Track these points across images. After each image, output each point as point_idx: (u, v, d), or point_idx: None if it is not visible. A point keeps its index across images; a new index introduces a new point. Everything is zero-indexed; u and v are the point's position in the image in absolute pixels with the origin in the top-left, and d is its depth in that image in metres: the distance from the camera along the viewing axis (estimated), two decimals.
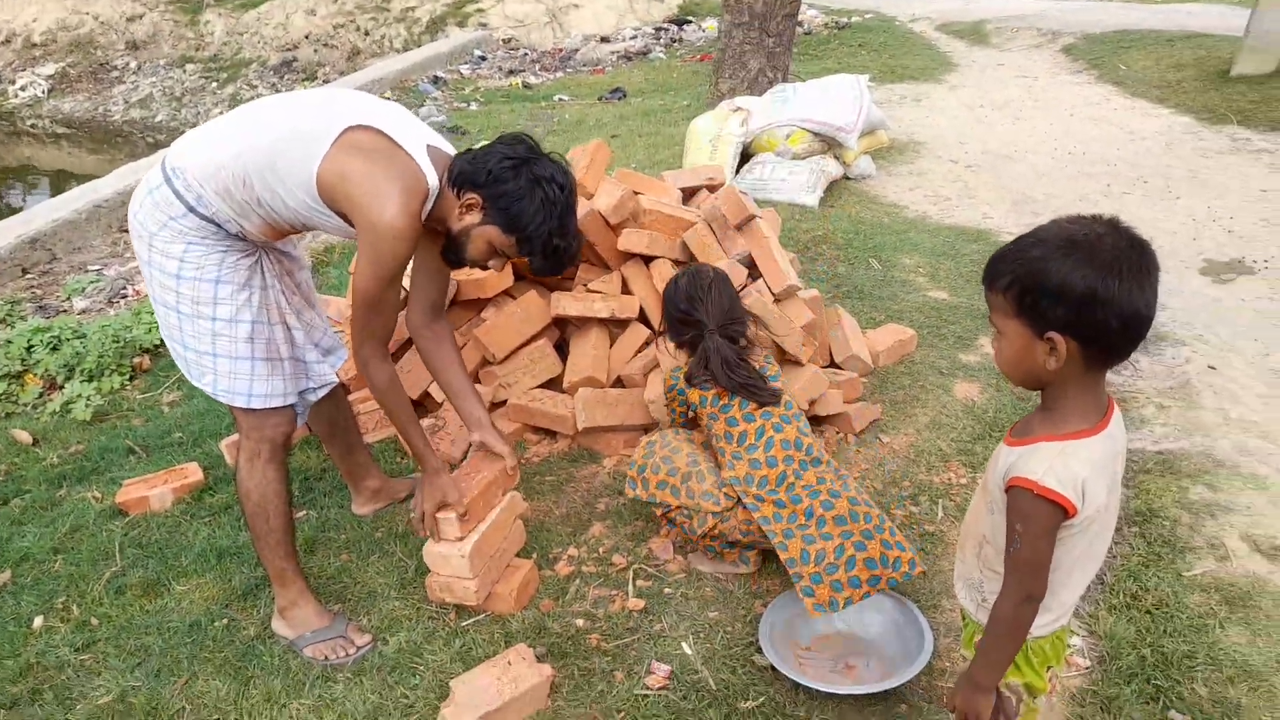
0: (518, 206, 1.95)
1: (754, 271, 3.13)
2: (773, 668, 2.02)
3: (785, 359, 2.91)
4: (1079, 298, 1.19)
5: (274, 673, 2.11)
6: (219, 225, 1.97)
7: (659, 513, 2.34)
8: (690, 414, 2.38)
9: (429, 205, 1.97)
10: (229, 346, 2.03)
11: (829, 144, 5.78)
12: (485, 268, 2.10)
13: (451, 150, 2.08)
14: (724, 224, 3.12)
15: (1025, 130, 7.27)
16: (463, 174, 1.97)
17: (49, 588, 2.45)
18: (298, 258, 2.31)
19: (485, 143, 2.03)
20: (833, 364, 3.29)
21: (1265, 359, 3.54)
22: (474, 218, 1.99)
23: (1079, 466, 1.27)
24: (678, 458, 2.30)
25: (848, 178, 5.91)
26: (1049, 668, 1.46)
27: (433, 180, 1.94)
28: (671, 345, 2.44)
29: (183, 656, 2.17)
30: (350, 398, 2.99)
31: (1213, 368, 3.47)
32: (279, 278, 2.18)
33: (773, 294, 3.03)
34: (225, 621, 2.29)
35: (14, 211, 8.52)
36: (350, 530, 2.63)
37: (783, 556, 2.16)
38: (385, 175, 1.87)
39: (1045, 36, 10.97)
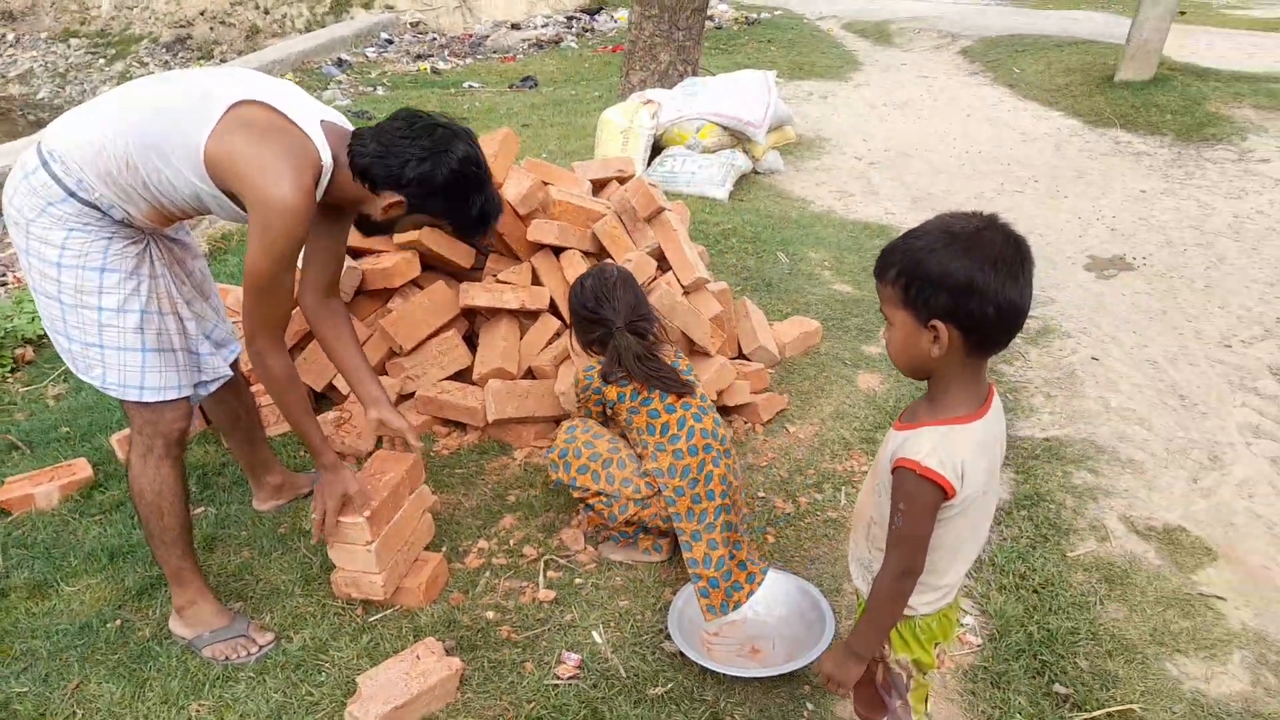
0: (446, 204, 1.95)
1: (663, 264, 3.17)
2: (681, 653, 2.06)
3: (694, 350, 2.96)
4: (959, 286, 1.26)
5: (171, 674, 2.05)
6: (103, 211, 1.87)
7: (577, 496, 2.36)
8: (606, 411, 2.39)
9: (324, 182, 1.91)
10: (117, 337, 1.94)
11: (738, 138, 5.87)
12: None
13: (348, 125, 2.02)
14: (633, 216, 3.15)
15: (926, 129, 7.53)
16: (376, 176, 1.90)
17: None
18: (190, 245, 2.22)
19: (379, 121, 1.97)
20: (741, 355, 3.36)
21: (1143, 350, 3.78)
22: (399, 211, 1.97)
23: (959, 450, 1.34)
24: (599, 443, 2.33)
25: (757, 172, 6.02)
26: (937, 644, 1.54)
27: (327, 157, 1.88)
28: (578, 345, 2.46)
29: (73, 660, 2.08)
30: (253, 389, 2.90)
31: (1095, 359, 3.68)
32: (169, 266, 2.08)
33: (682, 286, 3.08)
34: (118, 623, 2.20)
35: None
36: (251, 526, 2.56)
37: (687, 555, 2.24)
38: (276, 151, 1.80)
39: (945, 38, 11.35)
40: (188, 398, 2.09)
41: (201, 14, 14.95)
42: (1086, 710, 2.01)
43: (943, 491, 1.35)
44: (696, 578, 2.22)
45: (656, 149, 5.85)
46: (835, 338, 3.72)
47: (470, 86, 9.27)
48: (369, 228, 2.07)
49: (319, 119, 1.91)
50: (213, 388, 2.23)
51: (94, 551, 2.44)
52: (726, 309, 3.24)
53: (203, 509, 2.62)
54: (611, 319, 2.30)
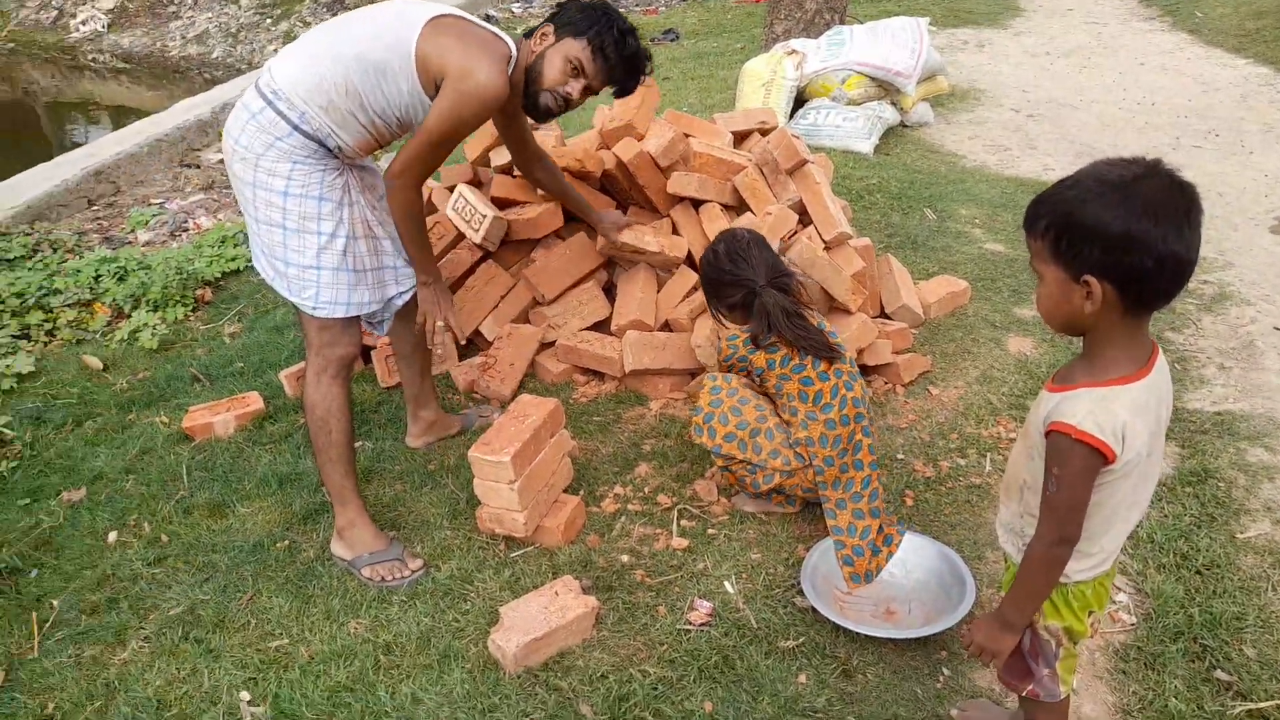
0: (584, 18, 2.19)
1: (804, 218, 3.11)
2: (814, 609, 2.06)
3: (834, 307, 2.90)
4: (1114, 239, 1.18)
5: (333, 593, 2.21)
6: (320, 141, 2.10)
7: (720, 463, 2.36)
8: (753, 378, 2.35)
9: (510, 67, 2.16)
10: (331, 259, 2.16)
11: (886, 89, 5.65)
12: (566, 101, 2.23)
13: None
14: (775, 168, 3.09)
15: (1092, 79, 7.02)
16: (531, 29, 2.24)
17: (121, 505, 2.58)
18: (377, 173, 2.41)
19: None
20: (883, 314, 3.27)
21: None
22: (548, 41, 2.21)
23: (1120, 411, 1.27)
24: (746, 410, 2.30)
25: (905, 125, 5.79)
26: (1090, 612, 1.47)
27: (512, 46, 2.17)
28: (721, 311, 2.41)
29: (247, 574, 2.28)
30: None
31: (1279, 329, 3.38)
32: (362, 192, 2.29)
33: (823, 241, 3.01)
34: (286, 543, 2.39)
35: (76, 146, 8.72)
36: (404, 461, 2.71)
37: (830, 523, 2.22)
38: (473, 41, 2.09)
39: None
40: (358, 325, 2.29)
41: None
42: (1253, 700, 1.89)
43: (1101, 456, 1.28)
44: (839, 545, 2.20)
45: (800, 101, 5.70)
46: (985, 298, 3.56)
47: None
48: (531, 89, 2.24)
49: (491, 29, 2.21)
50: (405, 297, 2.42)
51: (265, 477, 2.64)
52: (869, 266, 3.15)
53: (361, 443, 2.79)
54: (752, 277, 2.26)
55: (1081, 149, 5.51)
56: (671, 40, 8.93)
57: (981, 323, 3.37)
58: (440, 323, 2.44)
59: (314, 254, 2.15)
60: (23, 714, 1.93)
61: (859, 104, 5.52)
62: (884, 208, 4.44)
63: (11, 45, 16.00)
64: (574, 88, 2.22)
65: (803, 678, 1.94)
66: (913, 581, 2.17)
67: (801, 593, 2.13)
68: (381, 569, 2.23)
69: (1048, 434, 1.34)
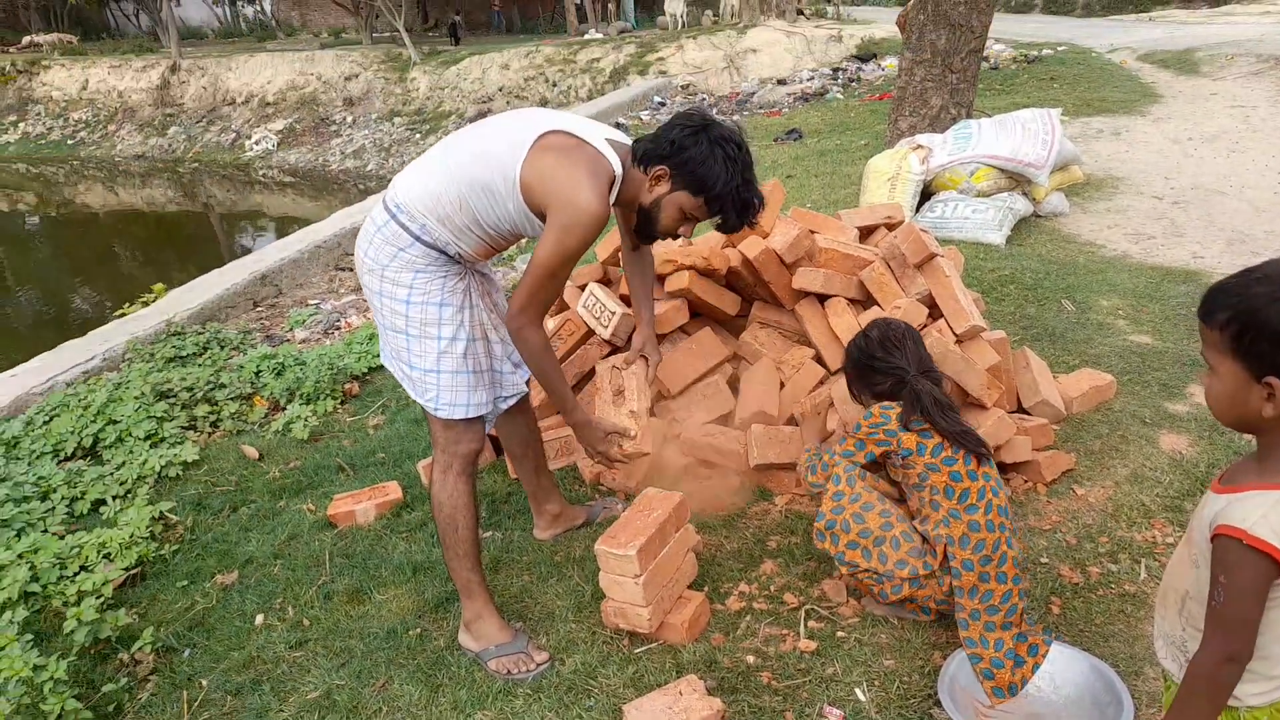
0: (703, 169, 2.11)
1: (934, 312, 3.05)
2: None
3: (968, 402, 2.81)
4: None
5: (461, 683, 2.24)
6: (441, 250, 2.20)
7: (845, 571, 2.28)
8: (890, 459, 2.24)
9: (615, 189, 2.17)
10: (451, 363, 2.25)
11: (1017, 180, 5.55)
12: (676, 236, 2.27)
13: (628, 140, 2.26)
14: (903, 262, 3.07)
15: (1241, 163, 6.70)
16: (647, 153, 2.16)
17: (269, 589, 2.72)
18: (493, 279, 2.52)
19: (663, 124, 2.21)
20: (1020, 410, 3.14)
21: None
22: (663, 188, 2.17)
23: None
24: (870, 516, 2.21)
25: (1038, 215, 5.66)
26: None
27: (617, 167, 2.14)
28: (866, 400, 2.35)
29: (381, 660, 2.35)
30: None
31: None
32: (482, 297, 2.40)
33: (954, 335, 2.95)
34: (418, 631, 2.45)
35: (247, 252, 9.55)
36: (532, 553, 2.75)
37: (962, 634, 2.11)
38: (576, 166, 2.07)
39: (1265, 63, 10.10)
40: (483, 421, 2.36)
41: (500, 90, 16.67)
42: None
43: (1276, 565, 1.18)
44: (975, 658, 2.07)
45: (925, 195, 5.68)
46: (1132, 393, 3.37)
47: None
48: (644, 226, 2.27)
49: (605, 138, 2.19)
50: (510, 401, 2.50)
51: (400, 565, 2.74)
52: (1004, 359, 3.05)
53: (489, 533, 2.86)
54: (904, 366, 2.22)
55: (1234, 236, 5.23)
56: (795, 139, 9.10)
57: (1130, 419, 3.19)
58: (601, 442, 2.40)
59: (434, 358, 2.23)
60: None
61: (988, 195, 5.44)
62: (1018, 299, 4.32)
63: (195, 164, 17.83)
64: (685, 230, 2.27)
65: None
66: (1062, 697, 2.01)
67: (939, 704, 2.01)
68: (507, 661, 2.25)
69: (1214, 538, 1.24)
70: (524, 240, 2.36)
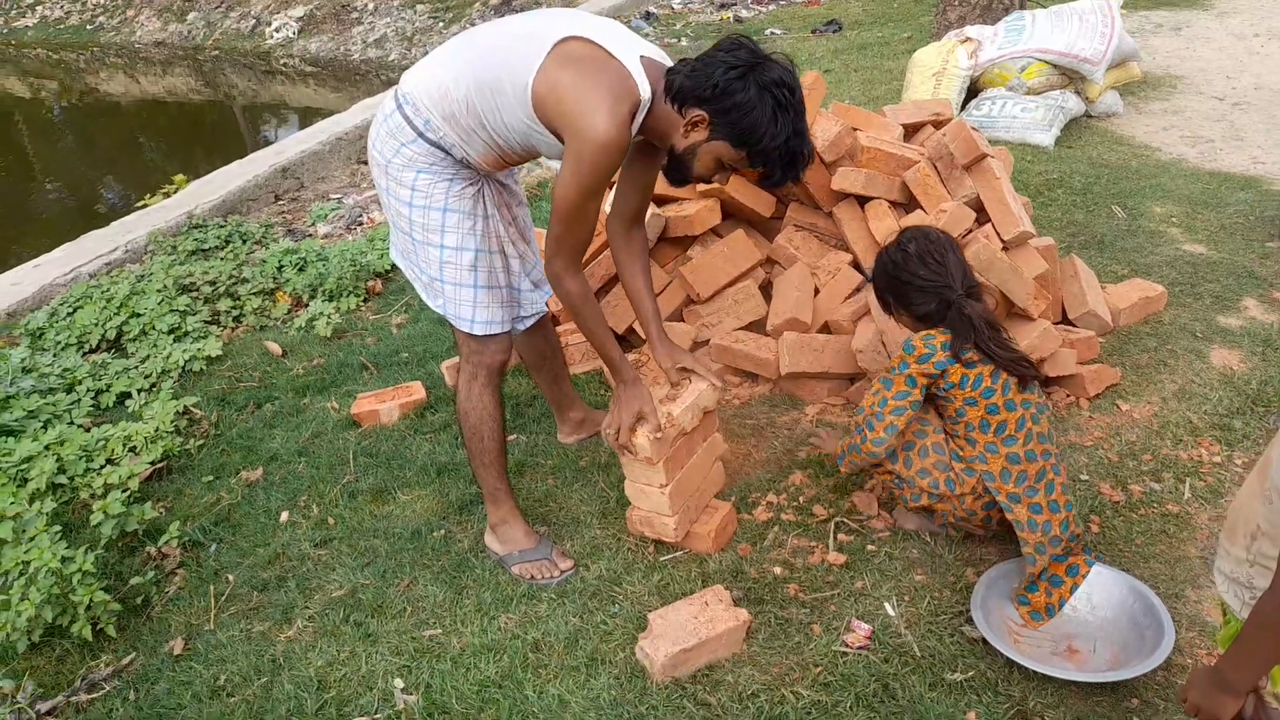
0: (748, 119, 1.82)
1: (981, 216, 2.90)
2: (984, 641, 1.90)
3: (1013, 312, 2.69)
4: None
5: (485, 585, 2.23)
6: (445, 150, 2.01)
7: (878, 471, 2.22)
8: (936, 391, 2.08)
9: (640, 115, 1.90)
10: (454, 274, 2.11)
11: (1070, 77, 5.24)
12: (710, 181, 2.00)
13: (668, 61, 1.97)
14: (950, 163, 2.90)
15: None
16: (684, 90, 1.85)
17: (293, 487, 2.71)
18: (516, 191, 2.35)
19: (703, 51, 1.90)
20: (1065, 321, 3.01)
21: None
22: (700, 134, 1.88)
23: None
24: (902, 420, 2.05)
25: (1089, 115, 5.36)
26: None
27: (645, 91, 1.87)
28: (904, 321, 2.18)
29: (405, 561, 2.34)
30: (558, 329, 3.07)
31: None
32: (499, 208, 2.23)
33: (1001, 241, 2.80)
34: (443, 533, 2.43)
35: (269, 143, 9.37)
36: (556, 457, 2.71)
37: (1030, 570, 2.01)
38: (596, 84, 1.82)
39: None
40: (509, 331, 2.23)
41: None
42: None
43: None
44: (1031, 559, 1.98)
45: (972, 93, 5.39)
46: (1183, 305, 3.22)
47: (772, 33, 9.09)
48: (675, 170, 2.01)
49: (639, 54, 1.90)
50: (529, 322, 2.38)
51: (425, 466, 2.71)
52: (1051, 268, 2.91)
53: (514, 436, 2.82)
54: (946, 286, 2.02)
55: None
56: (834, 31, 8.67)
57: (1180, 332, 3.05)
58: (625, 430, 2.09)
59: (437, 267, 2.09)
60: (198, 683, 2.04)
61: (1038, 93, 5.15)
62: (1066, 205, 4.12)
63: (216, 52, 17.44)
64: (720, 178, 2.01)
65: (972, 715, 1.79)
66: (1099, 618, 1.97)
67: (970, 621, 1.97)
68: (531, 568, 2.23)
69: None
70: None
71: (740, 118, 1.83)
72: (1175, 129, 5.24)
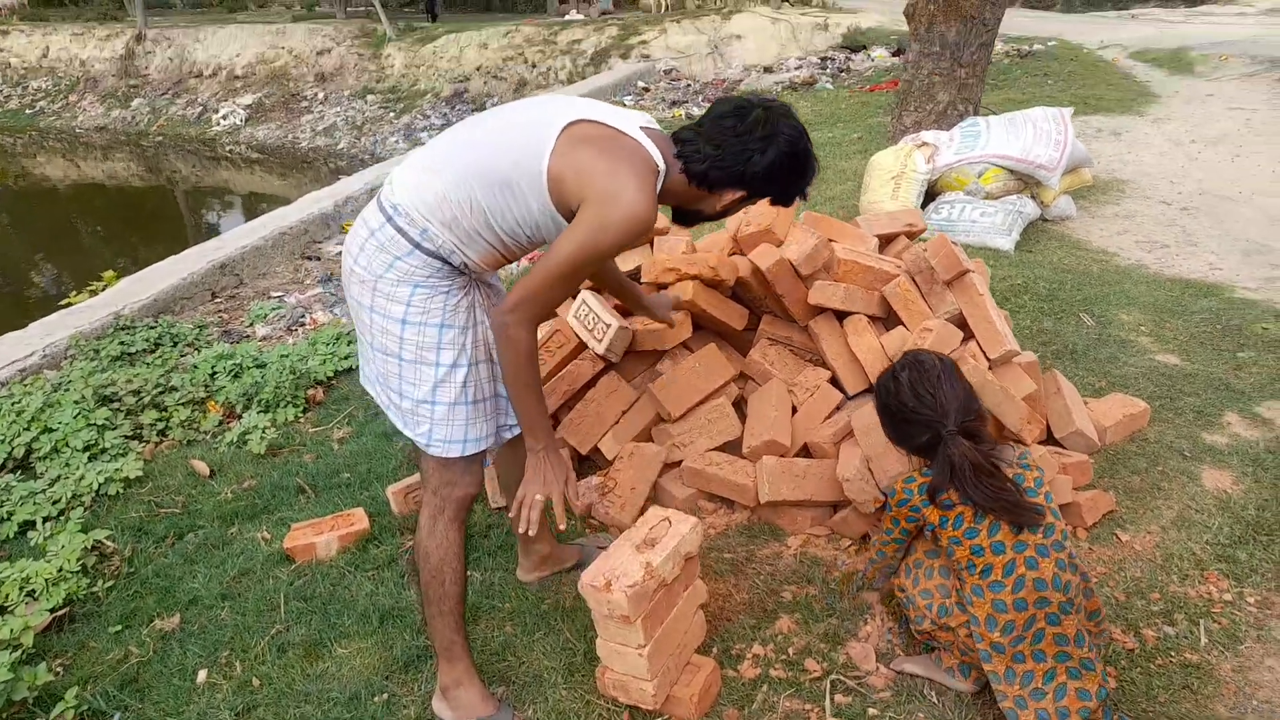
0: (783, 185, 1.92)
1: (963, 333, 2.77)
2: None
3: (1004, 436, 2.54)
4: None
5: None
6: (444, 259, 1.87)
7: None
8: (919, 531, 2.03)
9: (658, 186, 1.87)
10: (448, 393, 1.93)
11: (1026, 182, 5.29)
12: (719, 219, 2.05)
13: (658, 127, 1.96)
14: (930, 277, 2.78)
15: (1248, 169, 6.50)
16: (714, 179, 1.87)
17: (214, 638, 2.39)
18: (499, 289, 2.18)
19: (709, 119, 1.89)
20: (1051, 440, 2.88)
21: None
22: (739, 205, 1.96)
23: None
24: (918, 543, 2.10)
25: (1045, 219, 5.40)
26: None
27: (659, 160, 1.85)
28: (903, 450, 2.13)
29: None
30: None
31: None
32: (486, 312, 2.05)
33: (987, 360, 2.67)
34: (385, 696, 2.13)
35: (212, 231, 9.08)
36: (515, 598, 2.44)
37: (997, 687, 1.89)
38: (617, 159, 1.78)
39: (1260, 65, 9.96)
40: (482, 460, 2.04)
41: (477, 69, 16.18)
42: None
43: None
44: (1001, 696, 1.84)
45: (929, 196, 5.41)
46: (1166, 421, 3.12)
47: None
48: (690, 219, 2.03)
49: (639, 125, 1.89)
50: (516, 430, 2.14)
51: (366, 612, 2.42)
52: (1039, 386, 2.78)
53: (468, 573, 2.54)
54: (938, 421, 1.91)
55: (1249, 246, 5.01)
56: None
57: (1167, 451, 2.93)
58: (541, 501, 1.96)
59: (430, 388, 1.92)
60: None
61: (997, 198, 5.18)
62: (1034, 312, 4.05)
63: (160, 138, 17.19)
64: (728, 216, 2.02)
65: None
66: None
67: None
68: None
69: None
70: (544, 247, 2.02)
71: (776, 186, 1.92)
72: (1129, 233, 5.29)
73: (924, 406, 1.92)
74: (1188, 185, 6.18)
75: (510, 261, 2.02)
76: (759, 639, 2.23)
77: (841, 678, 2.09)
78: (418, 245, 1.84)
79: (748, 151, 1.83)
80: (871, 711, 1.99)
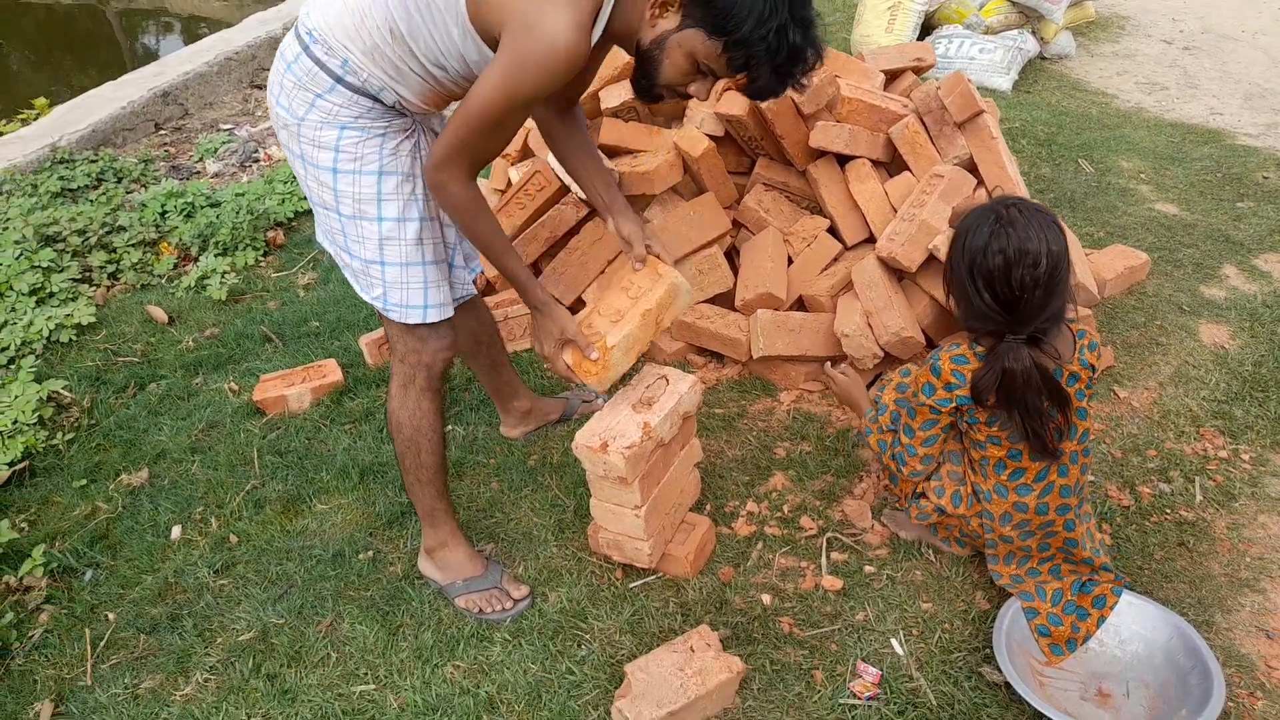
0: (725, 8, 1.40)
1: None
2: (1007, 685, 1.68)
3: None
4: None
5: (424, 623, 1.89)
6: (374, 96, 1.59)
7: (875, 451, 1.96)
8: (950, 418, 1.79)
9: (604, 15, 1.48)
10: (398, 252, 1.69)
11: (1028, 16, 4.99)
12: (685, 95, 1.57)
13: None
14: (941, 118, 2.59)
15: (1253, 4, 6.18)
16: None
17: (186, 494, 2.29)
18: None
19: None
20: None
21: None
22: (669, 21, 1.47)
23: None
24: (921, 429, 1.83)
25: (1043, 58, 5.14)
26: None
27: None
28: (958, 315, 1.78)
29: (326, 592, 1.97)
30: (491, 302, 2.69)
31: None
32: None
33: None
34: (370, 554, 2.07)
35: (151, 55, 8.40)
36: (501, 454, 2.36)
37: (1013, 591, 1.84)
38: None
39: None
40: (450, 324, 1.82)
41: None
42: None
43: None
44: (1030, 613, 1.79)
45: (926, 30, 5.08)
46: (1165, 274, 3.04)
47: None
48: (643, 77, 1.56)
49: None
50: (468, 295, 1.99)
51: (345, 467, 2.32)
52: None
53: (450, 428, 2.45)
54: (1014, 326, 1.63)
55: (1251, 90, 4.81)
56: None
57: (1165, 305, 2.87)
58: (559, 362, 1.82)
59: (376, 246, 1.68)
60: None
61: (996, 32, 4.88)
62: (1031, 156, 3.89)
63: None
64: (699, 89, 1.55)
65: None
66: (1129, 654, 1.76)
67: (987, 659, 1.75)
68: (479, 599, 1.90)
69: None
70: None
71: (719, 3, 1.41)
72: (1129, 74, 5.05)
73: (1008, 302, 1.61)
74: (1190, 23, 5.88)
75: (453, 99, 1.70)
76: (753, 496, 2.18)
77: (838, 535, 2.06)
78: (340, 79, 1.56)
79: None
80: (868, 569, 1.97)
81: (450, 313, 1.79)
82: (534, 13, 1.39)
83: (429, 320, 1.74)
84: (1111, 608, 1.78)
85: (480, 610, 1.90)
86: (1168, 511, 2.11)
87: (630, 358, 1.83)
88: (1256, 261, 3.12)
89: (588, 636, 1.84)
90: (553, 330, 1.79)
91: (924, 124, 2.60)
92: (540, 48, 1.40)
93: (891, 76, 2.93)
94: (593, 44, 1.48)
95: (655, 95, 1.60)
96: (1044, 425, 1.68)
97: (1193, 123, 4.39)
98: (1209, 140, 4.13)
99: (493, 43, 1.49)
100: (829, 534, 2.06)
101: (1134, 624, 1.78)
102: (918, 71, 2.93)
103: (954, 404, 1.74)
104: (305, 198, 3.78)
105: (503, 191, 2.94)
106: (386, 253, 1.68)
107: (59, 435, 2.50)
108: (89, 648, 1.89)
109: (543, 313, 1.78)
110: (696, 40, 1.46)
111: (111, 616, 1.96)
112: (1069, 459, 1.75)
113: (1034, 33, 5.02)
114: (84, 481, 2.35)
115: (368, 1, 1.52)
